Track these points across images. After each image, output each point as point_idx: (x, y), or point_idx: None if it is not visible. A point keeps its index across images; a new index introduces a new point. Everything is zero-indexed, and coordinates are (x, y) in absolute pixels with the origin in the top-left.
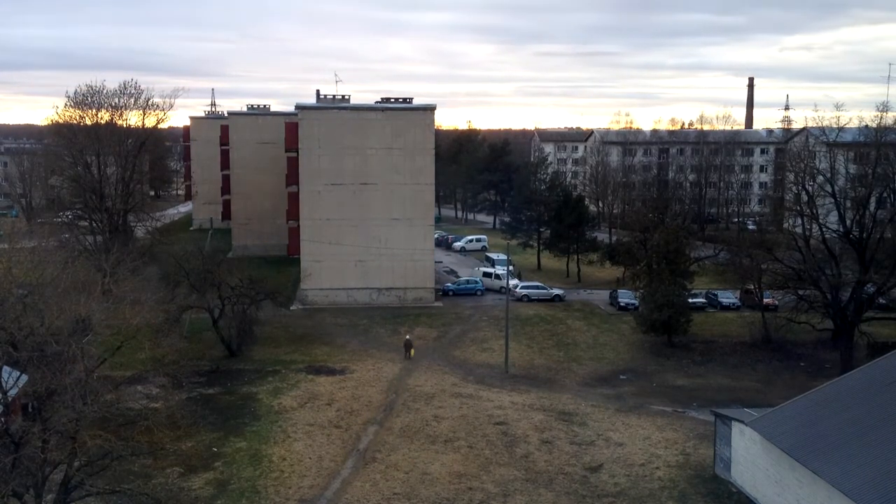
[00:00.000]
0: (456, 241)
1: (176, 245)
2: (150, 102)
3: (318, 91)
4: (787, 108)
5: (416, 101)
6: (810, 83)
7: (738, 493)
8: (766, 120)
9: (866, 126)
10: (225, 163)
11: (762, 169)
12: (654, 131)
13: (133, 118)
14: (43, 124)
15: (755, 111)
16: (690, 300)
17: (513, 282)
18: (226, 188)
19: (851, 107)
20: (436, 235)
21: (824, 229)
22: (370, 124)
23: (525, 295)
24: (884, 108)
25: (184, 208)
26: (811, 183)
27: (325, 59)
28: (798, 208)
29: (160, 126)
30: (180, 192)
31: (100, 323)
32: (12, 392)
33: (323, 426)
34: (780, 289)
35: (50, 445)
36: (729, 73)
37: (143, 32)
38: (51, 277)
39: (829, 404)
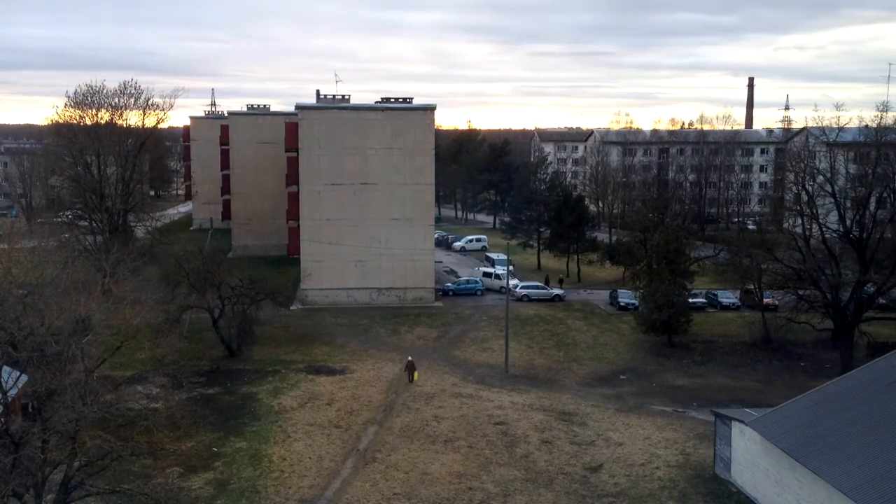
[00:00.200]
0: (456, 241)
1: (176, 245)
2: (149, 102)
3: (318, 91)
4: (786, 107)
5: (416, 101)
6: (807, 83)
7: (738, 493)
8: (765, 120)
9: (866, 126)
10: (225, 163)
11: (762, 169)
12: (654, 131)
13: (133, 118)
14: (43, 124)
15: (755, 111)
16: (690, 300)
17: (513, 282)
18: (226, 188)
19: (850, 107)
20: (436, 235)
21: (824, 229)
22: (370, 124)
23: (525, 295)
24: (884, 107)
25: (184, 208)
26: (811, 183)
27: (321, 59)
28: (798, 208)
29: (160, 126)
30: (180, 192)
31: (100, 323)
32: (12, 392)
33: (323, 426)
34: (780, 289)
35: (50, 445)
36: (726, 72)
37: (140, 32)
38: (51, 277)
39: (829, 404)
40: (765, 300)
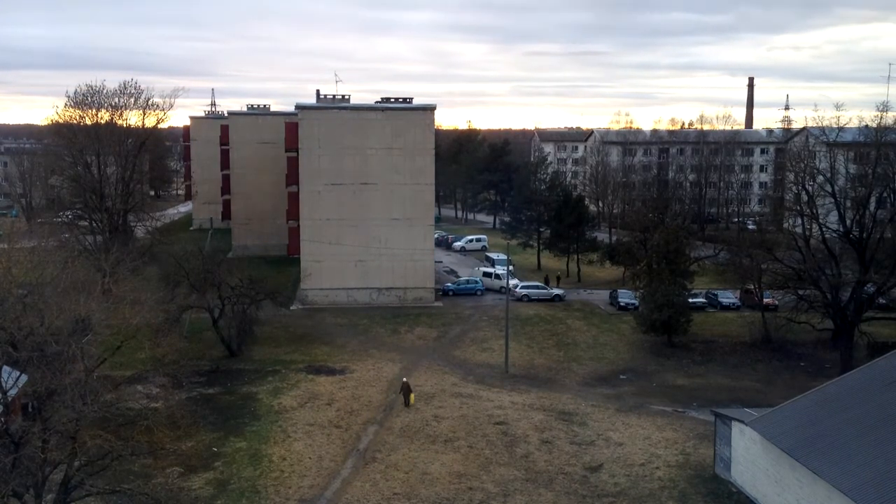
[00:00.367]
0: (456, 241)
1: (176, 245)
2: (149, 102)
3: (318, 91)
4: (786, 107)
5: (416, 102)
6: (804, 83)
7: (738, 492)
8: (765, 120)
9: (866, 126)
10: (225, 163)
11: (762, 169)
12: (654, 131)
13: (133, 118)
14: (43, 124)
15: (755, 111)
16: (690, 300)
17: (513, 282)
18: (226, 188)
19: (848, 107)
20: (436, 235)
21: (824, 229)
22: (370, 124)
23: (525, 295)
24: (884, 107)
25: (184, 208)
26: (811, 183)
27: (318, 58)
28: (798, 208)
29: (160, 126)
30: (180, 192)
31: (100, 323)
32: (12, 392)
33: (323, 426)
34: (780, 289)
35: (50, 445)
36: (724, 72)
37: (134, 32)
38: (51, 277)
39: (829, 404)
40: (765, 300)
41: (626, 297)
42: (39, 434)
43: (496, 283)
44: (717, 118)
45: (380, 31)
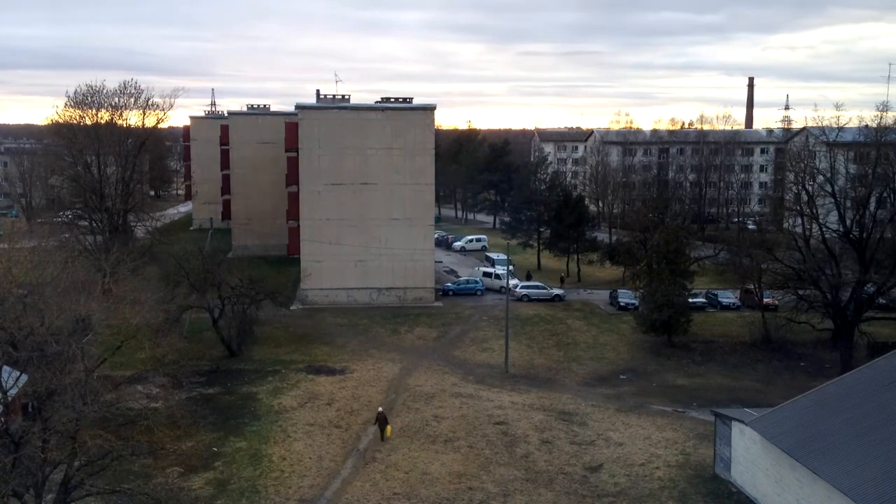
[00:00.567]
0: (456, 241)
1: (176, 245)
2: (149, 102)
3: (317, 91)
4: (786, 107)
5: (416, 101)
6: (802, 83)
7: (738, 492)
8: (764, 120)
9: (866, 126)
10: (225, 163)
11: (762, 169)
12: (654, 131)
13: (133, 118)
14: (42, 124)
15: (755, 111)
16: (690, 300)
17: (513, 281)
18: (226, 188)
19: (847, 107)
20: (436, 235)
21: (824, 229)
22: (370, 124)
23: (525, 295)
24: (884, 107)
25: (184, 208)
26: (811, 183)
27: (315, 58)
28: (798, 208)
29: (160, 126)
30: (180, 192)
31: (100, 323)
32: (12, 392)
33: (323, 426)
34: (780, 289)
35: (50, 445)
36: (721, 72)
37: (130, 32)
38: (51, 277)
39: (829, 404)
40: (765, 300)
41: (626, 297)
42: (39, 434)
43: (496, 283)
44: (717, 118)
45: (375, 30)
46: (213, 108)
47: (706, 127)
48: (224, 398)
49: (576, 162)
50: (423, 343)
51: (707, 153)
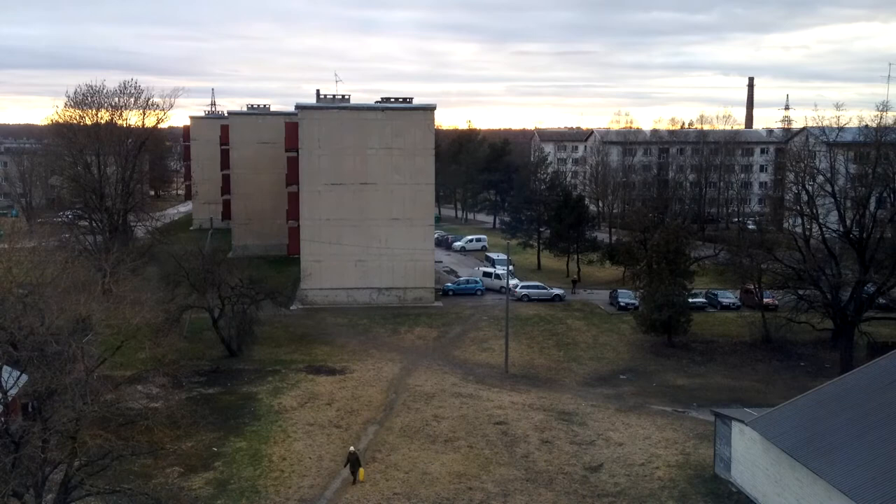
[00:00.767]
0: (456, 241)
1: (176, 245)
2: (149, 102)
3: (317, 91)
4: (786, 107)
5: (415, 101)
6: (799, 83)
7: (738, 492)
8: (762, 120)
9: (866, 126)
10: (225, 163)
11: (762, 169)
12: (654, 131)
13: (133, 118)
14: (42, 124)
15: (754, 111)
16: (690, 300)
17: (513, 281)
18: (226, 188)
19: (845, 106)
20: (436, 235)
21: (824, 229)
22: (370, 124)
23: (525, 295)
24: (884, 107)
25: (184, 208)
26: (811, 183)
27: (310, 58)
28: (798, 208)
29: (160, 126)
30: (180, 192)
31: (100, 322)
32: (12, 392)
33: (323, 426)
34: (780, 289)
35: (50, 445)
36: (717, 72)
37: (124, 31)
38: (51, 277)
39: (829, 404)
40: (765, 300)
41: (626, 297)
42: (39, 434)
43: (496, 283)
44: (717, 118)
45: (367, 30)
46: (213, 108)
47: (706, 127)
48: (224, 398)
49: (576, 162)
50: (423, 343)
51: (707, 153)
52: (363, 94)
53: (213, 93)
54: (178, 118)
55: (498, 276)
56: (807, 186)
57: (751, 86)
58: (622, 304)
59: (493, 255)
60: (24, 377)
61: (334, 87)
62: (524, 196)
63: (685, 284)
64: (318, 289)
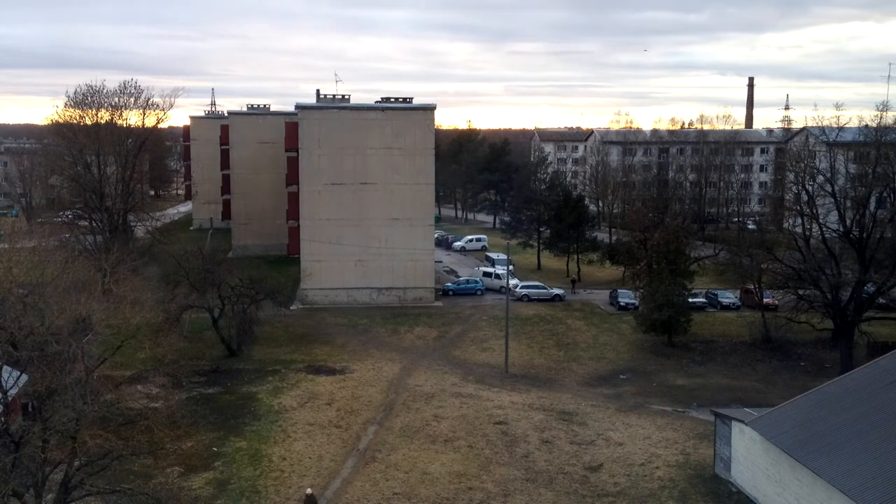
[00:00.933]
0: (456, 241)
1: (176, 245)
2: (149, 102)
3: (317, 91)
4: (786, 107)
5: (415, 101)
6: (796, 82)
7: (737, 492)
8: (763, 119)
9: (866, 126)
10: (225, 163)
11: (762, 169)
12: (654, 131)
13: (133, 118)
14: (42, 124)
15: (754, 111)
16: (690, 300)
17: (513, 281)
18: (226, 188)
19: (844, 106)
20: (436, 235)
21: (824, 229)
22: (370, 124)
23: (525, 295)
24: (884, 107)
25: (184, 208)
26: (811, 183)
27: (304, 58)
28: (798, 208)
29: (160, 126)
30: (180, 191)
31: (100, 322)
32: (12, 392)
33: (323, 426)
34: (780, 289)
35: (50, 445)
36: (714, 72)
37: (113, 31)
38: (51, 277)
39: (829, 404)
40: (765, 300)
41: (626, 297)
42: (39, 434)
43: (496, 283)
44: (717, 118)
45: (360, 29)
46: (213, 108)
47: (706, 127)
48: (224, 398)
49: (576, 162)
50: (423, 343)
51: (707, 153)
52: (361, 93)
53: (213, 93)
54: (177, 118)
55: (498, 276)
56: (807, 186)
57: (751, 86)
58: (622, 303)
59: (493, 255)
60: (24, 377)
61: (334, 86)
62: (524, 196)
63: (685, 284)
64: (318, 289)
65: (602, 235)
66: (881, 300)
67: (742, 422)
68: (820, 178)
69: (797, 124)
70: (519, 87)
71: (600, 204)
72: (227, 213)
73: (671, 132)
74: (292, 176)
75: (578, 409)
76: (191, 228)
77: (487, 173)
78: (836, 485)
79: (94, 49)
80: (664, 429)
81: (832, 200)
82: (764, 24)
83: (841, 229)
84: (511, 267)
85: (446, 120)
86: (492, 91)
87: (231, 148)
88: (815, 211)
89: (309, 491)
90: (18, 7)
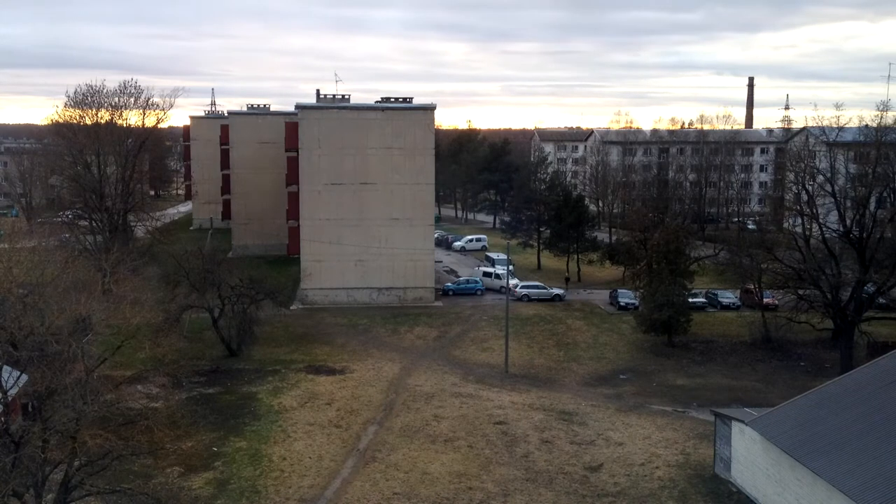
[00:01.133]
0: (456, 241)
1: (176, 245)
2: (149, 102)
3: (317, 91)
4: (786, 107)
5: (415, 101)
6: (794, 82)
7: (737, 492)
8: (761, 119)
9: (866, 126)
10: (225, 163)
11: (762, 168)
12: (655, 131)
13: (133, 118)
14: (42, 124)
15: (754, 111)
16: (690, 300)
17: (513, 281)
18: (226, 188)
19: (843, 106)
20: (436, 235)
21: (824, 229)
22: (370, 124)
23: (525, 295)
24: (884, 107)
25: (184, 208)
26: (811, 182)
27: (300, 57)
28: (798, 208)
29: (160, 126)
30: (180, 191)
31: (100, 322)
32: (12, 392)
33: (323, 426)
34: (780, 288)
35: (50, 445)
36: (711, 71)
37: (101, 30)
38: (51, 277)
39: (829, 404)
40: (765, 300)
41: (626, 297)
42: (39, 434)
43: (496, 283)
44: (717, 118)
45: (356, 28)
46: (213, 108)
47: (706, 127)
48: (224, 398)
49: (576, 162)
50: (423, 343)
51: (707, 153)
52: (360, 93)
53: (212, 93)
54: (177, 118)
55: (498, 276)
56: (807, 186)
57: (751, 86)
58: (622, 303)
59: (493, 255)
60: (24, 377)
61: (333, 86)
62: (524, 196)
63: (685, 284)
64: (318, 289)
65: (602, 235)
66: (881, 300)
67: (742, 422)
68: (820, 178)
69: (797, 124)
70: (517, 87)
71: (600, 204)
72: (227, 213)
73: (671, 132)
74: (292, 176)
75: (578, 409)
76: (191, 228)
77: (487, 173)
78: (837, 485)
79: (93, 49)
80: (664, 429)
81: (832, 200)
82: (759, 24)
83: (841, 229)
84: (511, 267)
85: (445, 120)
86: (489, 91)
87: (231, 148)
88: (815, 211)
89: None
90: (18, 7)
